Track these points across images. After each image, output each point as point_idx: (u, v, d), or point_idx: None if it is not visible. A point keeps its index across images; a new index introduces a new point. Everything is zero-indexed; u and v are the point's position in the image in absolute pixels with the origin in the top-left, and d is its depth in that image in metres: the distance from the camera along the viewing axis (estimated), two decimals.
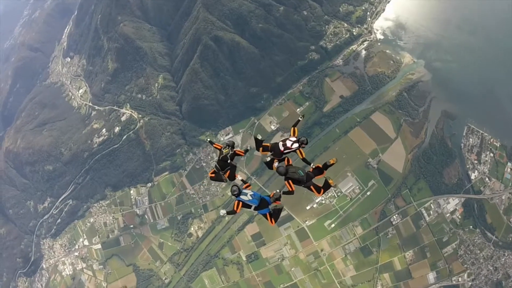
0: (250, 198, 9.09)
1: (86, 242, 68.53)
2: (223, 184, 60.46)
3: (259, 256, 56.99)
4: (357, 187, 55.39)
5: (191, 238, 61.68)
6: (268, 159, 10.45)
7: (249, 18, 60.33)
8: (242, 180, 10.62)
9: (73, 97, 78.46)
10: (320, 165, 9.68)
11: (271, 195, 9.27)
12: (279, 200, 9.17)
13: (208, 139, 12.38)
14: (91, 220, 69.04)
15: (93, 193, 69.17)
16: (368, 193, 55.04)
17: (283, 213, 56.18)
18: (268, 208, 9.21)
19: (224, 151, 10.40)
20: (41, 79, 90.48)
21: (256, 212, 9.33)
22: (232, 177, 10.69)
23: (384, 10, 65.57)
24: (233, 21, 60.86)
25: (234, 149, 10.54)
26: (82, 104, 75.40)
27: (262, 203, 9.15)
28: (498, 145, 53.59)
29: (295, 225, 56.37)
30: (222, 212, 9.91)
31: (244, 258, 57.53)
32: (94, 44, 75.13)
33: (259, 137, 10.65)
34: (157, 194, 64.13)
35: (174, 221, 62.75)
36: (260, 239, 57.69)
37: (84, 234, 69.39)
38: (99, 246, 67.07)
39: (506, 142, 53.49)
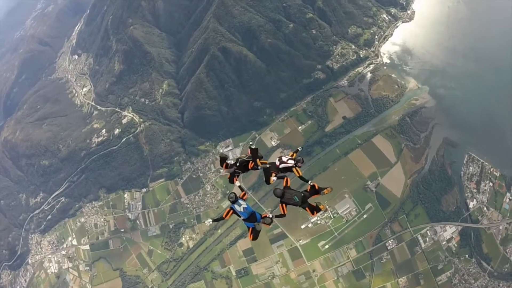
0: (242, 210, 9.22)
1: (74, 242, 67.24)
2: (219, 196, 59.91)
3: (249, 272, 55.85)
4: (354, 209, 54.84)
5: (182, 248, 60.63)
6: (268, 165, 10.33)
7: (259, 33, 60.78)
8: (240, 186, 10.62)
9: (76, 95, 78.46)
10: (317, 186, 9.66)
11: (262, 215, 9.36)
12: (269, 225, 9.29)
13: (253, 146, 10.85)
14: (82, 220, 67.95)
15: (86, 193, 68.29)
16: (365, 216, 54.51)
17: (277, 231, 56.84)
18: (254, 224, 9.31)
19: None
20: (47, 73, 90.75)
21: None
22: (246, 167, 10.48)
23: (392, 34, 66.28)
24: (242, 34, 61.30)
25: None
26: (85, 102, 75.33)
27: (251, 217, 9.31)
28: (497, 175, 53.53)
29: (288, 244, 55.47)
30: (208, 221, 10.05)
31: (233, 273, 56.36)
32: (103, 44, 75.57)
33: (253, 147, 10.56)
34: (151, 200, 63.33)
35: (166, 229, 61.75)
36: (251, 255, 56.63)
37: (73, 233, 68.15)
38: (87, 247, 65.82)
39: (506, 172, 53.52)
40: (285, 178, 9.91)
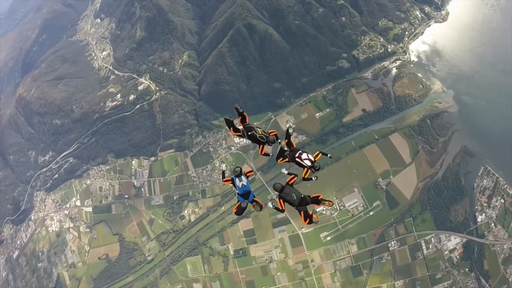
0: (240, 186, 9.47)
1: (78, 203, 67.79)
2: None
3: (247, 253, 55.60)
4: (361, 205, 53.97)
5: (183, 221, 60.56)
6: (285, 147, 10.27)
7: (287, 13, 59.24)
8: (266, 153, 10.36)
9: (95, 58, 78.25)
10: (320, 196, 9.51)
11: (260, 203, 9.58)
12: (258, 211, 9.63)
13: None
14: (88, 182, 68.37)
15: (95, 156, 68.62)
16: (371, 213, 53.58)
17: (280, 215, 56.20)
18: (244, 200, 9.46)
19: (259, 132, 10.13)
20: (67, 35, 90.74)
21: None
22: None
23: (423, 33, 64.02)
24: (270, 13, 59.84)
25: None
26: (103, 66, 75.06)
27: (245, 195, 9.51)
28: (510, 193, 52.10)
29: (290, 230, 54.90)
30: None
31: (231, 252, 56.19)
32: (127, 9, 74.78)
33: (291, 132, 10.52)
34: (158, 169, 63.21)
35: (169, 200, 61.68)
36: (252, 236, 56.25)
37: (78, 194, 68.73)
38: (90, 209, 66.28)
39: None
40: (293, 176, 9.81)
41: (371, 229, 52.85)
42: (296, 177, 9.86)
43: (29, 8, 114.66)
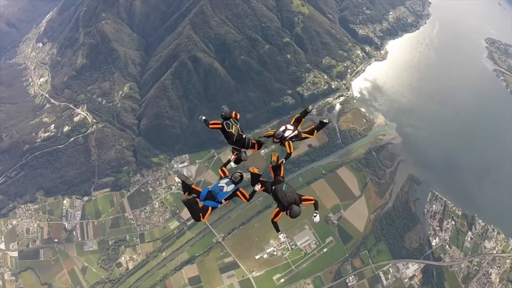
0: (223, 188, 8.59)
1: (2, 246, 59.23)
2: (167, 215, 54.95)
3: None
4: (314, 242, 52.43)
5: (120, 269, 54.37)
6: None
7: (233, 48, 59.32)
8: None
9: (32, 84, 72.28)
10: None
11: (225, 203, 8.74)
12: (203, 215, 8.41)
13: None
14: (14, 222, 60.57)
15: (23, 193, 61.26)
16: (325, 249, 52.22)
17: (228, 259, 52.36)
18: (208, 202, 8.50)
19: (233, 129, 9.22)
20: (6, 56, 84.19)
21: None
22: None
23: (364, 70, 67.85)
24: (216, 47, 59.55)
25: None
26: (39, 93, 69.17)
27: (211, 197, 8.62)
28: (460, 214, 54.47)
29: (240, 274, 51.20)
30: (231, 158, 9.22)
31: None
32: (70, 35, 70.88)
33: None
34: (92, 210, 57.20)
35: (104, 246, 55.58)
36: (198, 283, 51.46)
37: (2, 236, 60.10)
38: (15, 254, 58.19)
39: (468, 211, 54.58)
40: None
41: (327, 266, 51.31)
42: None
43: None
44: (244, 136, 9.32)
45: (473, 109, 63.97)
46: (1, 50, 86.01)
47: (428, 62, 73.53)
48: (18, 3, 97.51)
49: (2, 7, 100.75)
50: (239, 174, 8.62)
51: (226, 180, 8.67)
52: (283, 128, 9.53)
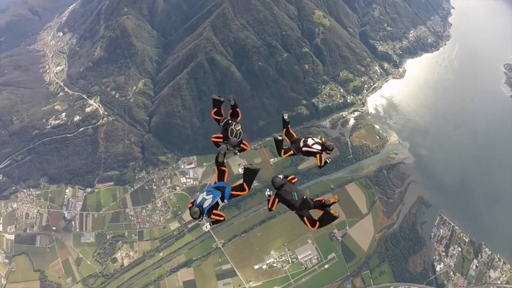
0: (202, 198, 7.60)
1: (0, 228, 58.19)
2: (168, 215, 54.01)
3: None
4: (315, 257, 51.00)
5: (115, 264, 53.37)
6: (280, 137, 9.40)
7: (251, 53, 59.07)
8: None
9: (48, 71, 72.97)
10: (324, 200, 8.25)
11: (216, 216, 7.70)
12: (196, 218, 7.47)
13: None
14: (14, 205, 60.24)
15: (26, 177, 61.03)
16: (326, 266, 50.74)
17: (226, 266, 51.02)
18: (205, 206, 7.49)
19: (236, 128, 8.96)
20: (26, 42, 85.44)
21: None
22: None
23: (381, 87, 66.93)
24: (235, 50, 59.36)
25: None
26: (54, 81, 69.69)
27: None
28: (466, 241, 52.97)
29: (237, 283, 49.77)
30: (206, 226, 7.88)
31: None
32: (91, 27, 71.68)
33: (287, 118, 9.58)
34: (94, 202, 56.61)
35: (102, 239, 54.73)
36: None
37: (1, 218, 59.78)
38: (12, 237, 57.60)
39: (475, 238, 52.97)
40: (292, 177, 8.55)
41: (326, 283, 49.82)
42: (294, 178, 8.53)
43: None
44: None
45: (488, 134, 62.45)
46: (22, 35, 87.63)
47: (446, 84, 72.42)
48: None
49: None
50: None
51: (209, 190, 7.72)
52: (311, 141, 9.31)
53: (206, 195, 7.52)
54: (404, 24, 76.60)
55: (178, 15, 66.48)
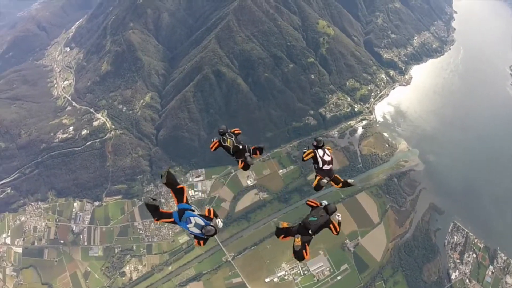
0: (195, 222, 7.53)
1: (8, 240, 59.01)
2: (177, 229, 53.58)
3: None
4: (328, 269, 49.98)
5: (123, 278, 52.99)
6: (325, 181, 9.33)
7: (257, 64, 59.26)
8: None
9: (56, 86, 74.21)
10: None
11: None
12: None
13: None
14: (22, 218, 60.62)
15: (34, 190, 61.57)
16: (339, 277, 49.67)
17: (236, 279, 50.24)
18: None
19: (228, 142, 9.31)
20: (34, 57, 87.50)
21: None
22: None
23: (388, 95, 66.54)
24: (240, 62, 59.62)
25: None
26: (62, 95, 70.72)
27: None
28: (481, 247, 51.80)
29: None
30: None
31: None
32: (98, 42, 72.87)
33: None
34: (101, 216, 56.54)
35: (110, 253, 54.50)
36: None
37: (9, 231, 60.05)
38: (20, 250, 57.89)
39: (490, 244, 51.74)
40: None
41: None
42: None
43: (4, 23, 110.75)
44: (241, 146, 9.31)
45: (497, 137, 61.59)
46: (30, 51, 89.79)
47: (452, 88, 71.94)
48: (50, 8, 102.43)
49: (35, 10, 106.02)
50: (213, 228, 7.41)
51: (199, 221, 7.47)
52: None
53: (195, 226, 7.42)
54: (408, 30, 76.65)
55: (183, 28, 67.32)
